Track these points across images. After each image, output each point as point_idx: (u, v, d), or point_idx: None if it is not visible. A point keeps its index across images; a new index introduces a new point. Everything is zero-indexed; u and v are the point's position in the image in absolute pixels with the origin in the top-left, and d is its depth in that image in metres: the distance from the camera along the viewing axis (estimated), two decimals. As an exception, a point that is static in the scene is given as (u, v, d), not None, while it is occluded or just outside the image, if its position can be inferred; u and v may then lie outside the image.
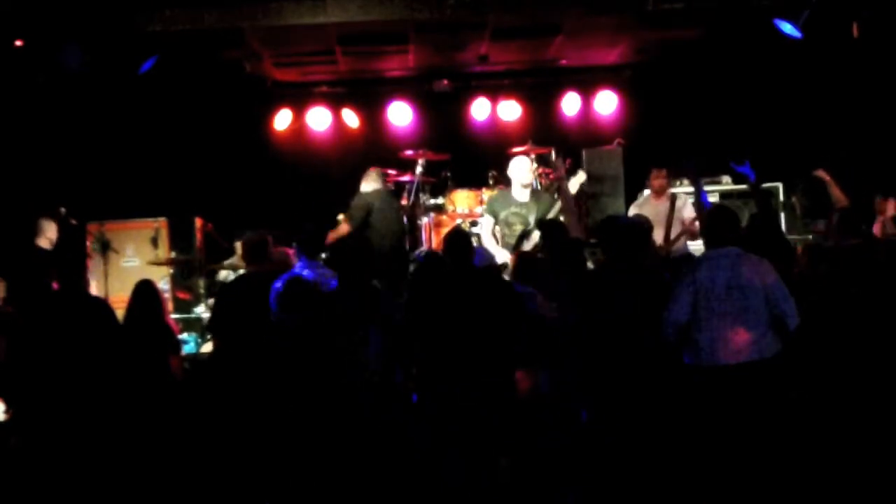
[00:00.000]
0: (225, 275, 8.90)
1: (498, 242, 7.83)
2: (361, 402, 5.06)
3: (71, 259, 7.89)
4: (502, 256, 7.32)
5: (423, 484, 5.04)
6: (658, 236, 7.27)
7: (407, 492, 5.05)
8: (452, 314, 5.11)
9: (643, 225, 6.21)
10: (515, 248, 7.61)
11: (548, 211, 7.75)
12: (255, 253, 6.16)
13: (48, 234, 7.92)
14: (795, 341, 5.03)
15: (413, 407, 5.29)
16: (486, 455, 5.01)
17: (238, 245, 8.66)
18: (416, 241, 9.21)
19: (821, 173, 7.56)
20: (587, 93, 11.02)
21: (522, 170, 8.02)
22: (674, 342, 5.04)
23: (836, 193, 7.38)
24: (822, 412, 5.13)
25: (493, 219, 7.93)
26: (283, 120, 10.96)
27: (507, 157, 9.37)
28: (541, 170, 9.19)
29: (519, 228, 7.75)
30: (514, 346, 5.13)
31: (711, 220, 5.33)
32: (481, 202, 9.17)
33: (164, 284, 8.91)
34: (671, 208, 7.52)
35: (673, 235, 7.47)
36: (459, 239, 5.45)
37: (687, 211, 7.60)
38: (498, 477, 5.00)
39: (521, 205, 7.86)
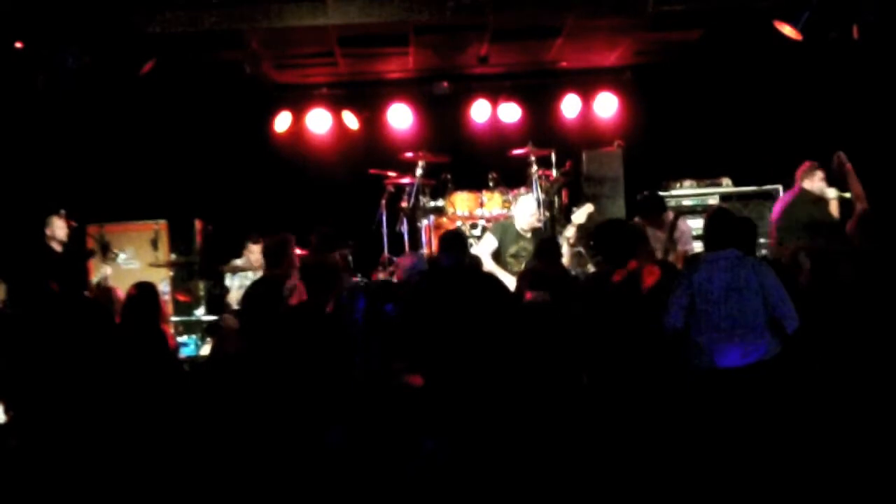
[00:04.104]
0: (230, 276, 8.93)
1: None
2: (360, 402, 5.08)
3: (72, 261, 7.92)
4: (508, 280, 7.30)
5: (424, 482, 5.05)
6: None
7: (406, 489, 5.06)
8: (448, 313, 5.13)
9: (638, 228, 6.24)
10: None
11: None
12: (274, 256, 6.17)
13: (57, 234, 7.94)
14: (812, 343, 5.03)
15: (411, 406, 5.30)
16: (486, 453, 5.01)
17: (253, 248, 8.72)
18: (416, 244, 9.21)
19: (842, 158, 7.40)
20: (587, 94, 11.02)
21: (527, 213, 8.06)
22: (673, 345, 5.04)
23: (856, 187, 7.26)
24: (826, 414, 5.12)
25: (496, 243, 7.91)
26: (282, 122, 10.96)
27: (508, 159, 9.44)
28: (541, 171, 9.20)
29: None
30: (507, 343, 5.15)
31: (710, 222, 5.32)
32: (481, 204, 9.18)
33: (163, 286, 8.91)
34: (669, 236, 7.49)
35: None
36: (455, 239, 5.51)
37: (682, 243, 7.60)
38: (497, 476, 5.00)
39: (527, 240, 7.93)
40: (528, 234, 8.00)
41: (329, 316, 5.64)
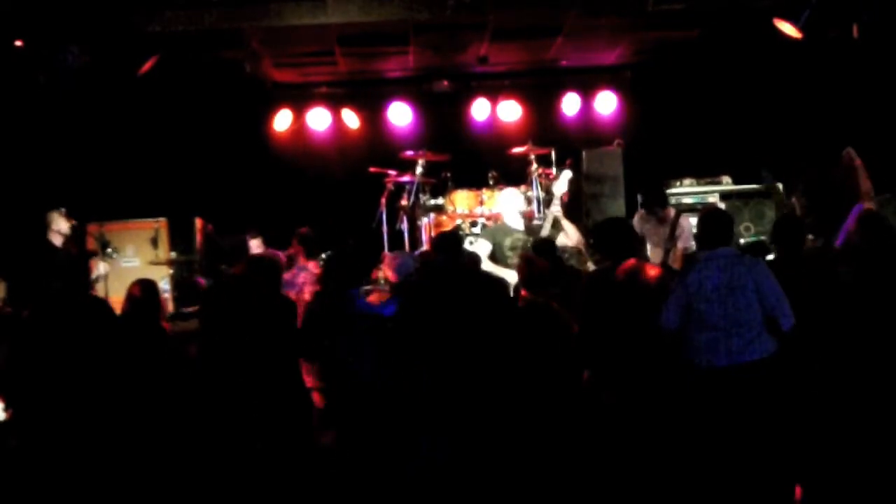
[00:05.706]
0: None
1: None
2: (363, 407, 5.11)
3: (73, 258, 7.92)
4: (510, 277, 7.28)
5: (424, 482, 5.06)
6: (655, 257, 7.30)
7: (406, 489, 5.07)
8: (446, 312, 5.15)
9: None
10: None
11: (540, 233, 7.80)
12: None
13: (61, 229, 7.92)
14: (811, 343, 5.03)
15: (413, 409, 5.31)
16: (486, 453, 5.02)
17: (251, 243, 8.72)
18: (416, 242, 9.22)
19: (852, 154, 7.26)
20: (587, 93, 11.04)
21: (513, 201, 7.98)
22: (671, 344, 5.04)
23: (865, 184, 7.15)
24: (825, 413, 5.13)
25: (491, 246, 7.85)
26: (283, 120, 10.98)
27: (508, 158, 9.44)
28: (540, 170, 9.20)
29: None
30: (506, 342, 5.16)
31: (705, 222, 5.33)
32: (481, 202, 9.17)
33: (164, 284, 8.91)
34: (671, 234, 7.47)
35: (670, 259, 7.40)
36: (447, 239, 5.54)
37: (682, 240, 7.59)
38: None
39: (521, 231, 7.83)
40: (521, 227, 7.86)
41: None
